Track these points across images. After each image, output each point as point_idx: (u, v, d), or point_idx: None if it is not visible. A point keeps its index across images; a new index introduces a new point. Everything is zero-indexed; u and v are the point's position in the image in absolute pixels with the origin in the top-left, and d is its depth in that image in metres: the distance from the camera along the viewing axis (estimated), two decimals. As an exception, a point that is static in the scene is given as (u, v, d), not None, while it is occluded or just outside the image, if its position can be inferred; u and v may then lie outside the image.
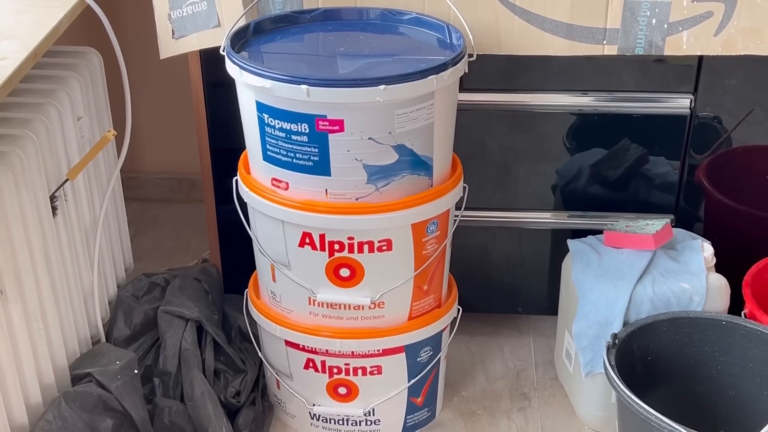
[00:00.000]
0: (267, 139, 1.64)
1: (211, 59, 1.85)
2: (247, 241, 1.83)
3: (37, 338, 1.65)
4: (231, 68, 1.63)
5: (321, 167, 1.62)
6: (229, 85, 1.69)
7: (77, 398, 1.66)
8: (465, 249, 2.01)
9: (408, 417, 1.93)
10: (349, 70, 1.63)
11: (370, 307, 1.76)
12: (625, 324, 1.79)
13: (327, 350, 1.82)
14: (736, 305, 1.85)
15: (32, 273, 1.62)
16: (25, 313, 1.61)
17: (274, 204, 1.69)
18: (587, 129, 1.94)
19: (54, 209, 1.71)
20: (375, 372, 1.84)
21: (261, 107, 1.62)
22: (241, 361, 1.97)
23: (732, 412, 1.80)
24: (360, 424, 1.91)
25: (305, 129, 1.59)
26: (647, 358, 1.79)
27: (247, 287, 1.94)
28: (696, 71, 1.85)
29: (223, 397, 1.87)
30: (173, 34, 1.83)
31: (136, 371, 1.78)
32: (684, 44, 1.77)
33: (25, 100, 1.72)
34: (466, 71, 1.66)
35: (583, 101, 1.91)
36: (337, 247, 1.69)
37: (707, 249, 1.87)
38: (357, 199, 1.65)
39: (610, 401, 1.85)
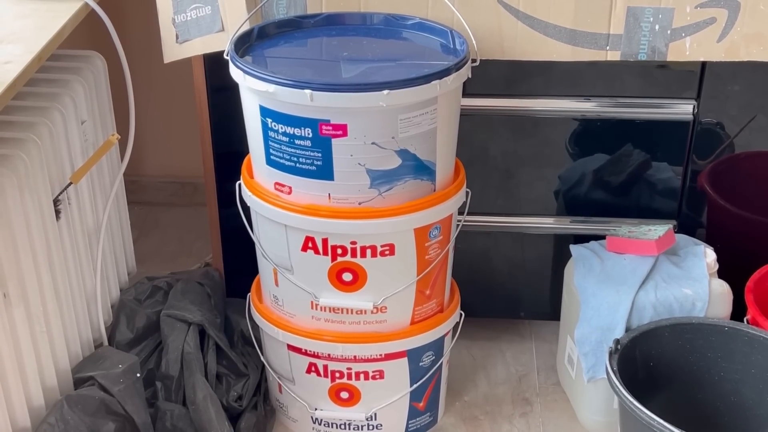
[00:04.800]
0: (270, 143, 1.64)
1: (214, 63, 1.86)
2: (249, 245, 1.83)
3: (40, 341, 1.66)
4: (235, 72, 1.63)
5: (324, 172, 1.62)
6: (232, 89, 1.69)
7: (79, 401, 1.66)
8: (467, 254, 2.01)
9: (410, 422, 1.93)
10: (353, 75, 1.63)
11: (372, 312, 1.76)
12: (627, 329, 1.79)
13: (329, 354, 1.82)
14: (738, 311, 1.85)
15: (35, 276, 1.62)
16: (28, 316, 1.61)
17: (277, 208, 1.69)
18: (590, 134, 1.94)
19: (57, 213, 1.72)
20: (377, 376, 1.84)
21: (264, 111, 1.62)
22: (243, 365, 1.97)
23: (734, 418, 1.80)
24: (362, 429, 1.91)
25: (308, 133, 1.59)
26: (649, 363, 1.78)
27: (249, 291, 1.94)
28: (699, 77, 1.86)
29: (225, 401, 1.87)
30: (177, 38, 1.83)
31: (138, 375, 1.78)
32: (687, 50, 1.77)
33: (29, 104, 1.72)
34: (470, 76, 1.66)
35: (586, 107, 1.91)
36: (339, 251, 1.69)
37: (710, 255, 1.87)
38: (360, 203, 1.65)
39: (612, 407, 1.85)
